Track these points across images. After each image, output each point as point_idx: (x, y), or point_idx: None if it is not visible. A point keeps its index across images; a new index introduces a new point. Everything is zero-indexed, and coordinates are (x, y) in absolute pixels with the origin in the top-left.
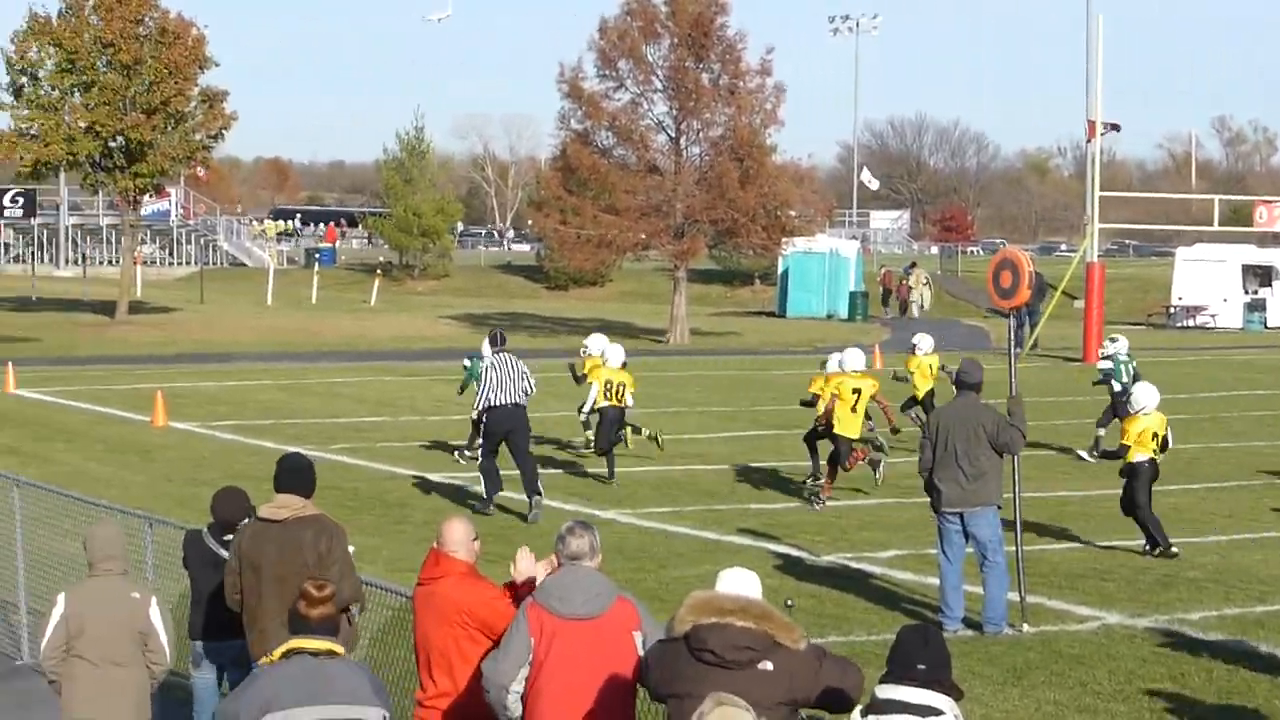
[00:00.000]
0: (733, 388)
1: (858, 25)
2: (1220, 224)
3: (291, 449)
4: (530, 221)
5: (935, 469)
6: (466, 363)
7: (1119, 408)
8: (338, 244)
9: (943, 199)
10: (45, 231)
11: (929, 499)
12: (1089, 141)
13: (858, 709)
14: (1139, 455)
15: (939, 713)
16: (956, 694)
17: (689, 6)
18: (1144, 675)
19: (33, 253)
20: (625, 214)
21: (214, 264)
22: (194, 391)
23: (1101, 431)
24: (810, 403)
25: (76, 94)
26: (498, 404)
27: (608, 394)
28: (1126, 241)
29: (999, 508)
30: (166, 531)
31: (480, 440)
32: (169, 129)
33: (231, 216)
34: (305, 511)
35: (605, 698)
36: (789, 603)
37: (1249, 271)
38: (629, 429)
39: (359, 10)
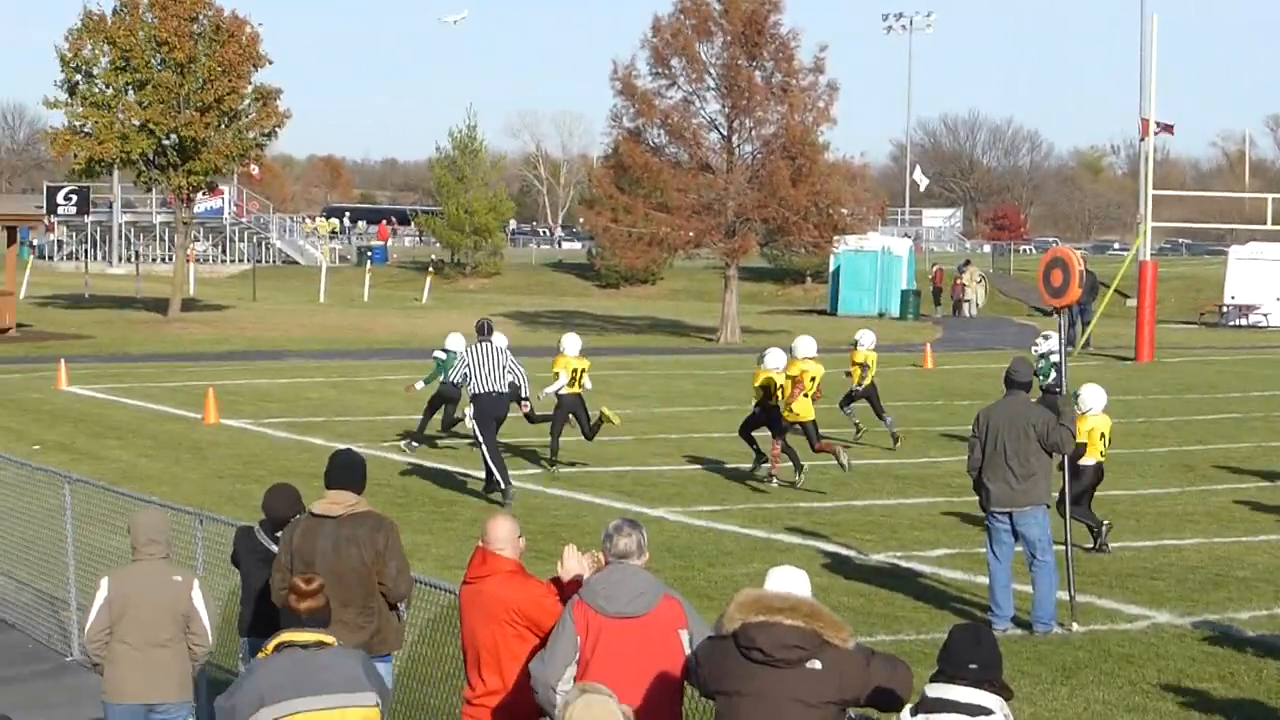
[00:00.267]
0: None
1: (911, 23)
2: (1274, 223)
3: (343, 446)
4: (582, 219)
5: (984, 468)
6: (441, 355)
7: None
8: (389, 242)
9: (995, 197)
10: (99, 229)
11: (977, 498)
12: (1142, 140)
13: (907, 708)
14: (1088, 460)
15: (989, 712)
16: (1007, 694)
17: (742, 4)
18: (1193, 674)
19: (86, 250)
20: (677, 212)
21: (266, 262)
22: (246, 389)
23: None
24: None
25: (130, 92)
26: (483, 391)
27: (570, 382)
28: (1180, 240)
29: (1048, 507)
30: (217, 528)
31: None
32: (222, 127)
33: (284, 214)
34: (359, 508)
35: (652, 696)
36: None
37: None
38: (601, 412)
39: (412, 8)
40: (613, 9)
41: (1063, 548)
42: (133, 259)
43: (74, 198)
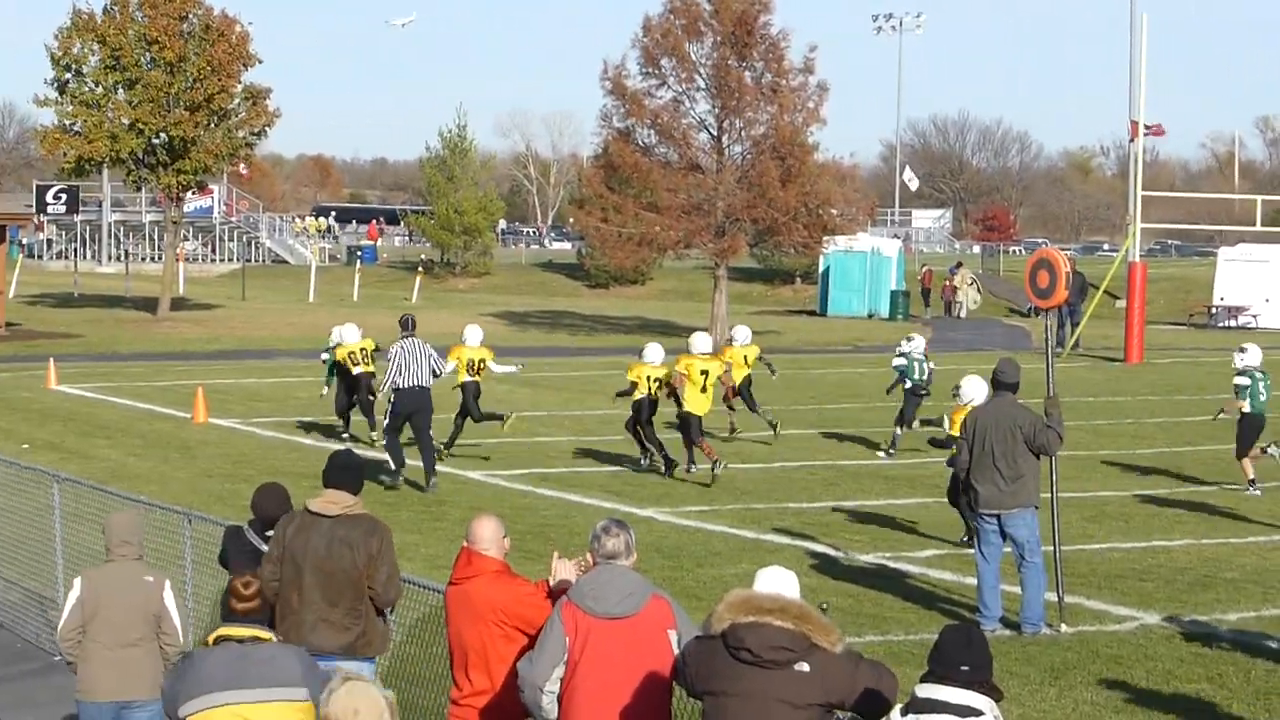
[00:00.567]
0: (771, 386)
1: (901, 24)
2: (1263, 224)
3: (340, 447)
4: (571, 219)
5: (972, 470)
6: (325, 357)
7: (908, 408)
8: (379, 241)
9: (985, 198)
10: (88, 228)
11: (966, 498)
12: (1132, 141)
13: (897, 708)
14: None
15: (979, 713)
16: (997, 695)
17: (733, 4)
18: (1182, 676)
19: (75, 249)
20: (666, 212)
21: (256, 261)
22: (235, 388)
23: (899, 430)
24: (627, 392)
25: (120, 90)
26: (404, 386)
27: (470, 370)
28: (1169, 241)
29: (1037, 509)
30: (205, 527)
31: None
32: (212, 126)
33: (274, 214)
34: (356, 509)
35: (640, 697)
36: (824, 605)
37: None
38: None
39: (401, 7)
40: (603, 9)
41: (1051, 549)
42: (122, 258)
43: (63, 196)
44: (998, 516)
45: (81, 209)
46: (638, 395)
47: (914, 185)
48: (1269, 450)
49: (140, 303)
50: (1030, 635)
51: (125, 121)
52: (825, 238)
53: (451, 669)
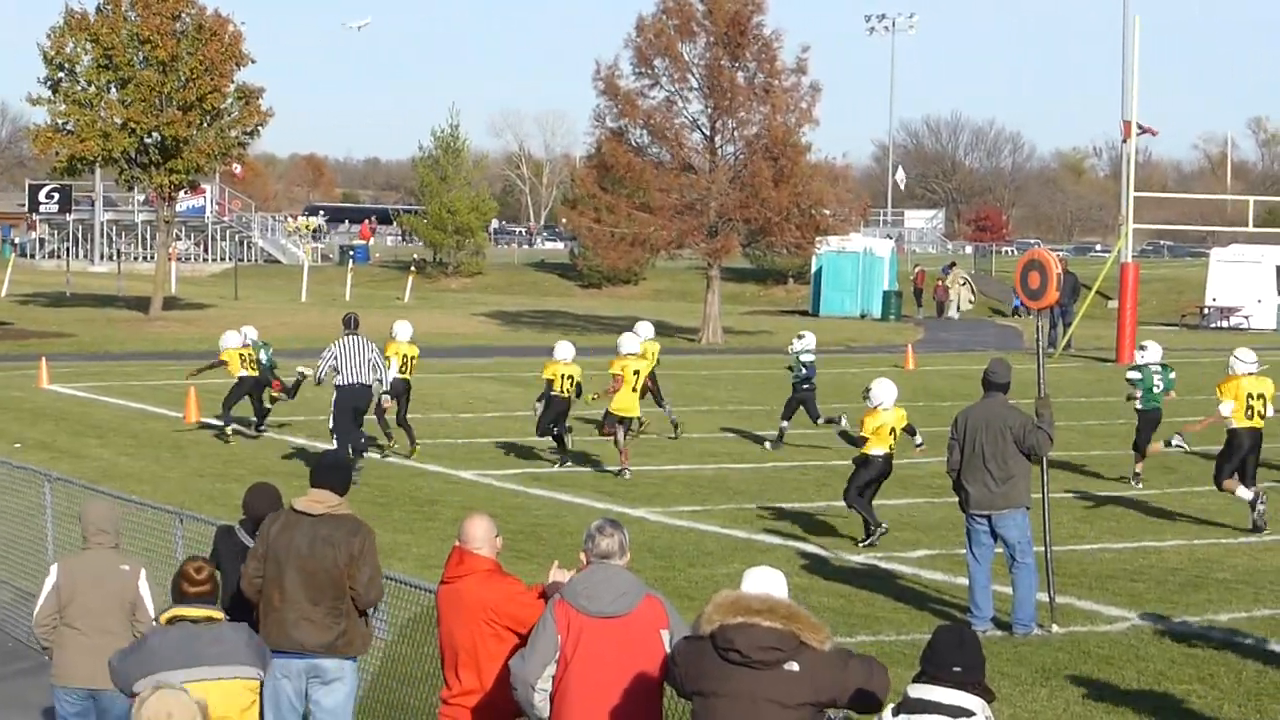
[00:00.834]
0: (764, 387)
1: (894, 24)
2: (1255, 225)
3: (326, 446)
4: (564, 219)
5: (963, 470)
6: (261, 356)
7: (800, 399)
8: (371, 241)
9: (978, 199)
10: (80, 227)
11: (957, 499)
12: (1124, 142)
13: (889, 708)
14: (875, 449)
15: (970, 714)
16: (989, 696)
17: (726, 5)
18: (1173, 676)
19: (68, 248)
20: (659, 212)
21: (248, 261)
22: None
23: (785, 424)
24: (545, 394)
25: (113, 90)
26: (345, 384)
27: (402, 369)
28: (1161, 242)
29: (1028, 509)
30: (196, 527)
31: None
32: (205, 125)
33: (266, 213)
34: (340, 509)
35: (632, 696)
36: None
37: None
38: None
39: (394, 7)
40: (596, 9)
41: (1042, 549)
42: (114, 257)
43: (56, 195)
44: (989, 517)
45: (74, 208)
46: (564, 394)
47: (903, 183)
48: (1173, 444)
49: (132, 302)
50: (1021, 636)
51: (118, 121)
52: (818, 238)
53: (442, 668)
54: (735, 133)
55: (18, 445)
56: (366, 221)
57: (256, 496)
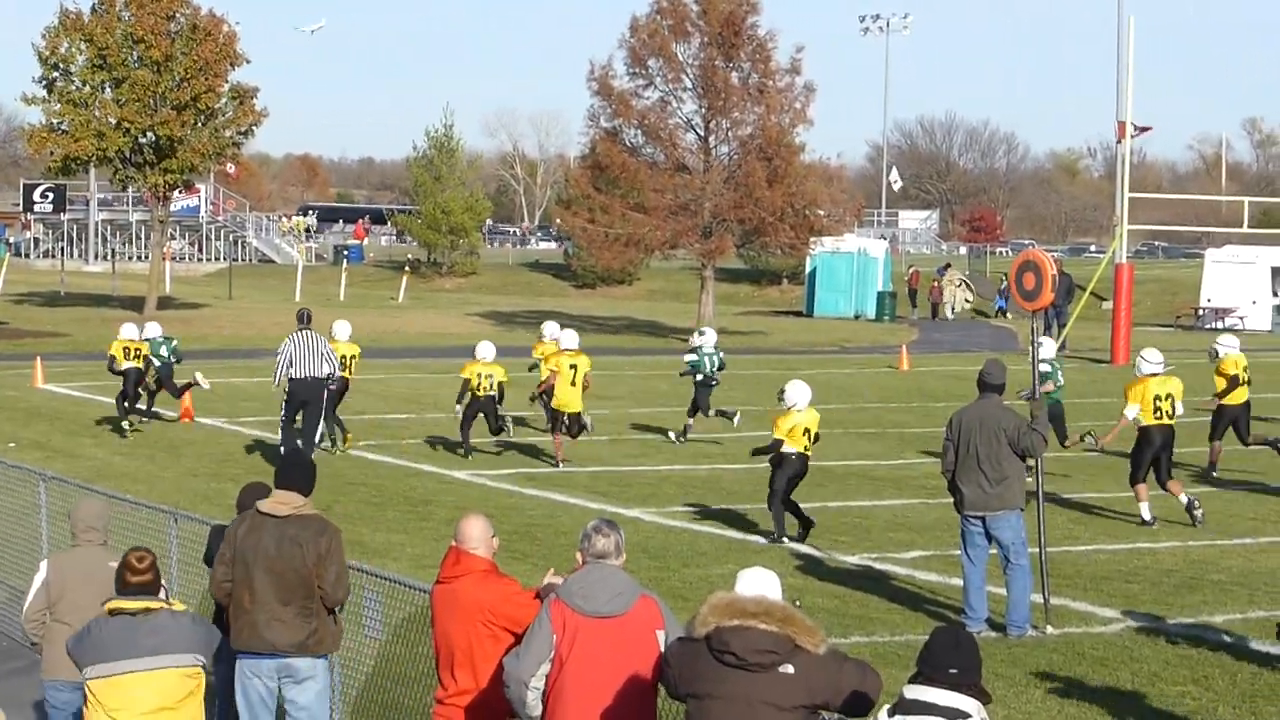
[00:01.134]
0: (758, 387)
1: (888, 25)
2: (1250, 226)
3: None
4: (558, 220)
5: (957, 471)
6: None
7: (701, 398)
8: (365, 241)
9: (972, 199)
10: (75, 227)
11: (952, 499)
12: (1119, 142)
13: (885, 708)
14: (789, 448)
15: (966, 715)
16: (985, 698)
17: (720, 5)
18: (1167, 678)
19: (62, 248)
20: (653, 213)
21: (243, 260)
22: (221, 387)
23: (691, 420)
24: (464, 394)
25: (107, 90)
26: (298, 376)
27: (342, 368)
28: (1156, 243)
29: (1022, 510)
30: (191, 526)
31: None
32: (199, 125)
33: (261, 213)
34: (306, 510)
35: (626, 696)
36: (795, 601)
37: (1278, 274)
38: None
39: (389, 7)
40: (590, 9)
41: (1036, 550)
42: (109, 257)
43: (50, 195)
44: (983, 518)
45: (68, 208)
46: (482, 392)
47: (897, 185)
48: (1087, 439)
49: (127, 302)
50: (1016, 637)
51: (112, 120)
52: (812, 238)
53: (437, 668)
54: (729, 133)
55: (12, 445)
56: (361, 221)
57: (252, 495)
